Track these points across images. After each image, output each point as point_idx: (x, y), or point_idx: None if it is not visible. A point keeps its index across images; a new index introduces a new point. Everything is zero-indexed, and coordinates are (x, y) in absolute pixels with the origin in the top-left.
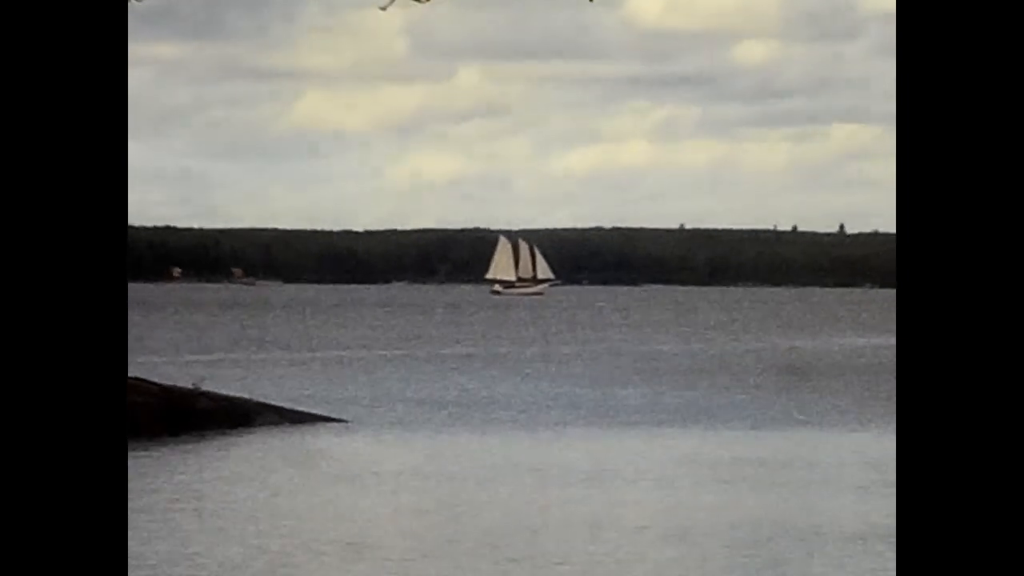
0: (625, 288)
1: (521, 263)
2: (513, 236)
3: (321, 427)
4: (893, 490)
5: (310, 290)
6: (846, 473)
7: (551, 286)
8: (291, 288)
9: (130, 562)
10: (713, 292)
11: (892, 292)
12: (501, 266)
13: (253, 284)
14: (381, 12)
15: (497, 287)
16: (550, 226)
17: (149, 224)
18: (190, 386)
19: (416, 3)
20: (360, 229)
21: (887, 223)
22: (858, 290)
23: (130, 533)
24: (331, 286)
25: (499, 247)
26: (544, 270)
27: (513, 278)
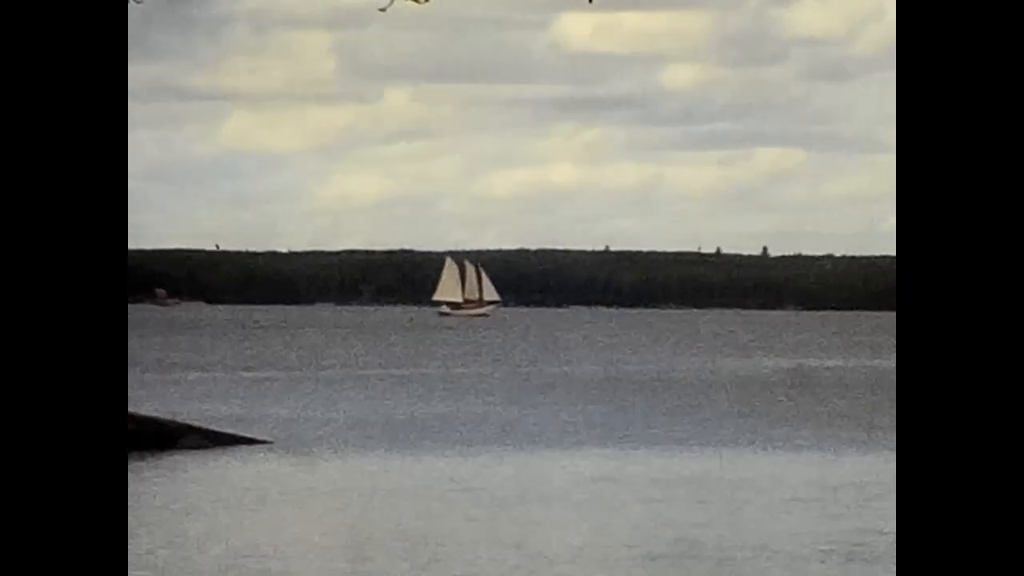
0: (553, 310)
1: (467, 284)
2: (459, 257)
3: (246, 449)
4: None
5: (233, 311)
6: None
7: (497, 307)
8: (215, 309)
9: None
10: (639, 314)
11: (813, 314)
12: (447, 287)
13: (176, 305)
14: (309, 33)
15: (444, 308)
16: (476, 247)
17: None
18: None
19: (351, 28)
20: (285, 250)
21: (810, 246)
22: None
23: None
24: (254, 307)
25: (445, 268)
26: (490, 291)
27: (460, 299)
